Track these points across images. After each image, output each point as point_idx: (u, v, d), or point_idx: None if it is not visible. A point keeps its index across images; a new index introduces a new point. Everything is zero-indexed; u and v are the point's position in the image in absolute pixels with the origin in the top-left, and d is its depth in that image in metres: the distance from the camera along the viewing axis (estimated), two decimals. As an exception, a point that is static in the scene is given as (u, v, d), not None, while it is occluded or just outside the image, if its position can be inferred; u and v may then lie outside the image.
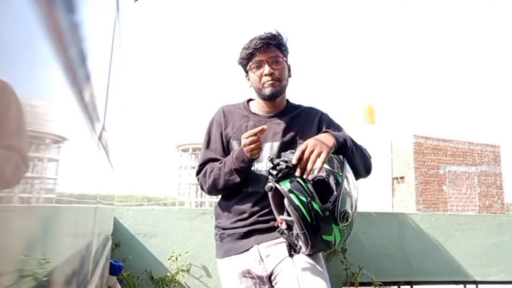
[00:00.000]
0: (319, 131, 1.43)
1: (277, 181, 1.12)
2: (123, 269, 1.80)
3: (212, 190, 1.40)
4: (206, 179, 1.39)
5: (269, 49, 1.37)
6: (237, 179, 1.32)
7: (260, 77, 1.39)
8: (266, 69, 1.37)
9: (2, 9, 0.25)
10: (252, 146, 1.24)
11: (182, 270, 1.89)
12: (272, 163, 1.14)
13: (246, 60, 1.41)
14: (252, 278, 1.32)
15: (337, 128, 1.46)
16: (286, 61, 1.43)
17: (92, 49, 0.61)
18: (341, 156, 1.24)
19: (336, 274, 2.01)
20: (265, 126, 1.25)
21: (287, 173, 1.13)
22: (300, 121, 1.45)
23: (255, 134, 1.23)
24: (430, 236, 2.22)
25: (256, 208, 1.32)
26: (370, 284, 2.07)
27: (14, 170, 0.29)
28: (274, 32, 1.40)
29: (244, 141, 1.25)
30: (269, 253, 1.30)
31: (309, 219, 1.08)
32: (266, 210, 1.30)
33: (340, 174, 1.17)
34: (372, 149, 1.64)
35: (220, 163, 1.37)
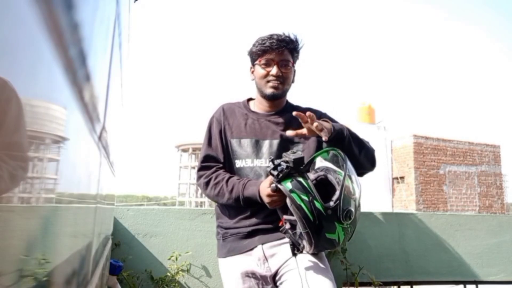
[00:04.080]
0: None
1: (279, 182, 1.13)
2: (123, 269, 1.80)
3: (211, 198, 1.41)
4: (209, 188, 1.39)
5: (283, 52, 1.38)
6: (240, 204, 1.32)
7: (266, 75, 1.40)
8: (274, 69, 1.38)
9: (2, 9, 0.25)
10: (275, 204, 1.22)
11: (182, 270, 1.89)
12: (273, 163, 1.14)
13: (257, 55, 1.41)
14: (255, 277, 1.31)
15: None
16: (294, 67, 1.44)
17: (92, 49, 0.61)
18: (342, 154, 1.24)
19: (336, 274, 2.01)
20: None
21: (288, 173, 1.13)
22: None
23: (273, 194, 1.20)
24: (430, 236, 2.22)
25: (259, 207, 1.31)
26: (370, 284, 2.06)
27: (8, 181, 0.29)
28: (292, 37, 1.40)
29: (266, 199, 1.23)
30: (274, 253, 1.30)
31: (311, 218, 1.08)
32: (270, 209, 1.29)
33: (342, 172, 1.17)
34: (372, 149, 1.63)
35: (227, 181, 1.35)
